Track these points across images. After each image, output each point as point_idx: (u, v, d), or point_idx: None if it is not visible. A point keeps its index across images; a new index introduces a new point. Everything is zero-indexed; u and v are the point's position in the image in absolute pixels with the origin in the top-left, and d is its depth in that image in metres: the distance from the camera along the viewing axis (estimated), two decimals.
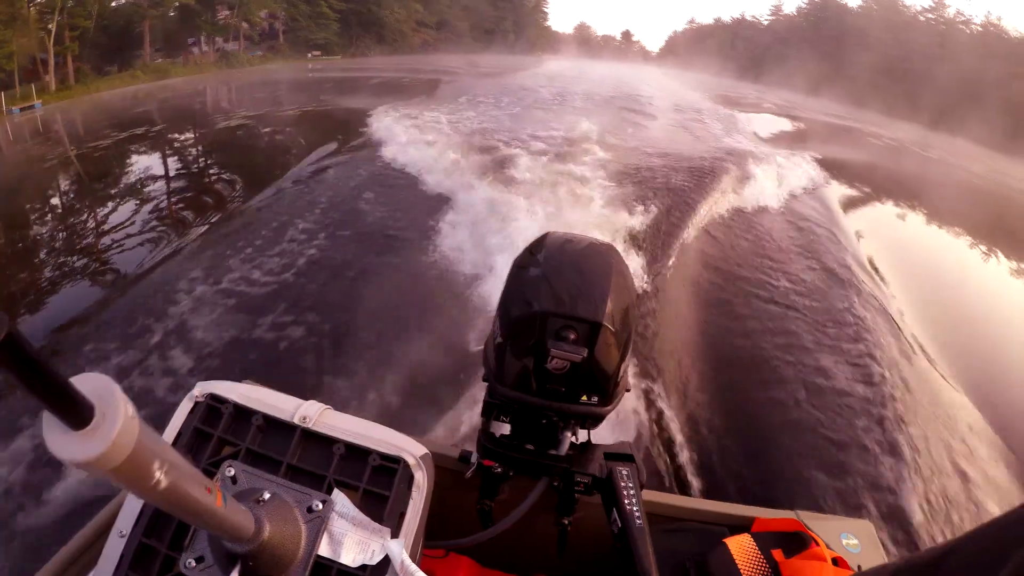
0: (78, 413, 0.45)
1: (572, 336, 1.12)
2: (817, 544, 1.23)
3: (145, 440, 0.49)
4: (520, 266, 1.24)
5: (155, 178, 13.80)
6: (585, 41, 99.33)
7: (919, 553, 0.57)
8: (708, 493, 3.92)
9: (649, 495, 1.39)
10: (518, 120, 16.56)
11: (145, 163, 15.41)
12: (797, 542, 1.24)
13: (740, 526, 1.38)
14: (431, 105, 19.32)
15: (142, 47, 39.78)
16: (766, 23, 74.23)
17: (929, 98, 39.41)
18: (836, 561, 1.20)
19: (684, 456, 4.24)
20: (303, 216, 9.05)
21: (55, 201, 12.97)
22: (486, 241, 7.14)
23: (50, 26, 32.12)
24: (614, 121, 17.60)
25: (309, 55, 50.31)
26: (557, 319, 1.12)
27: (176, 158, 16.14)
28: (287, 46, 50.22)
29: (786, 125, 26.84)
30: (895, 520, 3.85)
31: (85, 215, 11.80)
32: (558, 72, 40.76)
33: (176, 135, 18.79)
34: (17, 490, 4.14)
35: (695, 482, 4.06)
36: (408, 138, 13.17)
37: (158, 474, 0.52)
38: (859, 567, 1.23)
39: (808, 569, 1.17)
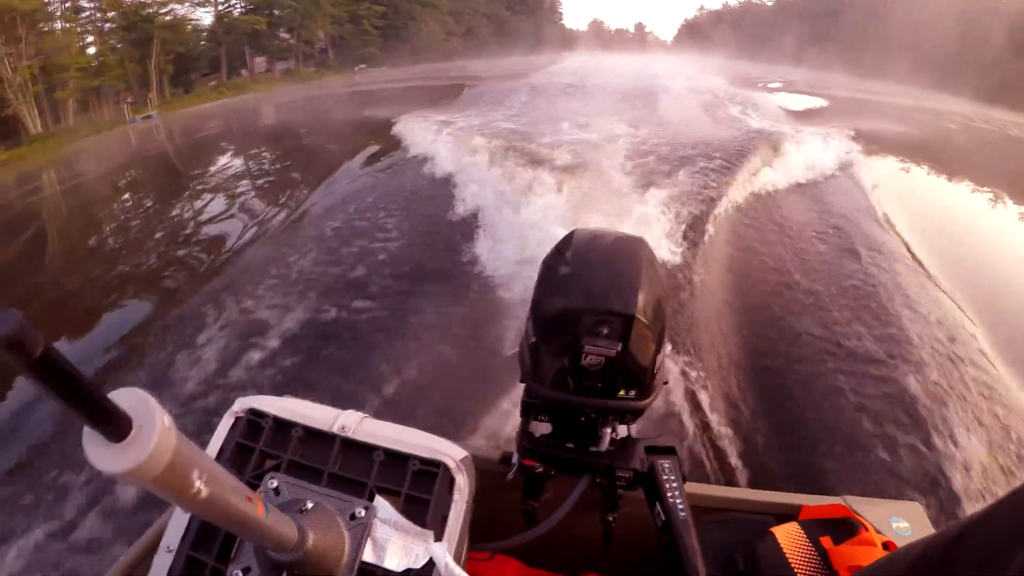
0: (116, 426, 0.43)
1: (605, 331, 1.03)
2: (866, 529, 1.12)
3: (183, 450, 0.47)
4: (549, 265, 1.15)
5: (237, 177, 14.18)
6: (600, 36, 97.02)
7: (942, 531, 0.49)
8: (753, 482, 3.60)
9: (693, 487, 1.28)
10: (542, 119, 15.50)
11: (225, 163, 15.85)
12: (846, 528, 1.13)
13: (787, 514, 1.25)
14: (462, 107, 18.74)
15: (196, 71, 42.22)
16: (771, 2, 71.01)
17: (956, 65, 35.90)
18: (886, 546, 1.08)
19: (727, 446, 3.88)
20: (335, 230, 8.71)
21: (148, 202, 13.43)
22: (516, 242, 6.72)
23: (151, 51, 35.84)
24: (636, 111, 16.73)
25: (356, 68, 51.02)
26: (589, 315, 1.04)
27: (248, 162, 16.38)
28: (335, 61, 51.27)
29: (807, 102, 24.18)
30: (946, 500, 3.49)
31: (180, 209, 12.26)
32: (575, 68, 38.37)
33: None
34: (68, 511, 4.02)
35: (739, 472, 3.72)
36: (439, 140, 12.49)
37: (198, 483, 0.50)
38: None
39: (858, 555, 1.06)
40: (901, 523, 1.21)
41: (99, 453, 0.43)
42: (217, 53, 42.98)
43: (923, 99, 28.03)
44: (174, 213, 12.26)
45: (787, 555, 1.10)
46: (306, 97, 31.37)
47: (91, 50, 34.88)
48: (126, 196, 15.42)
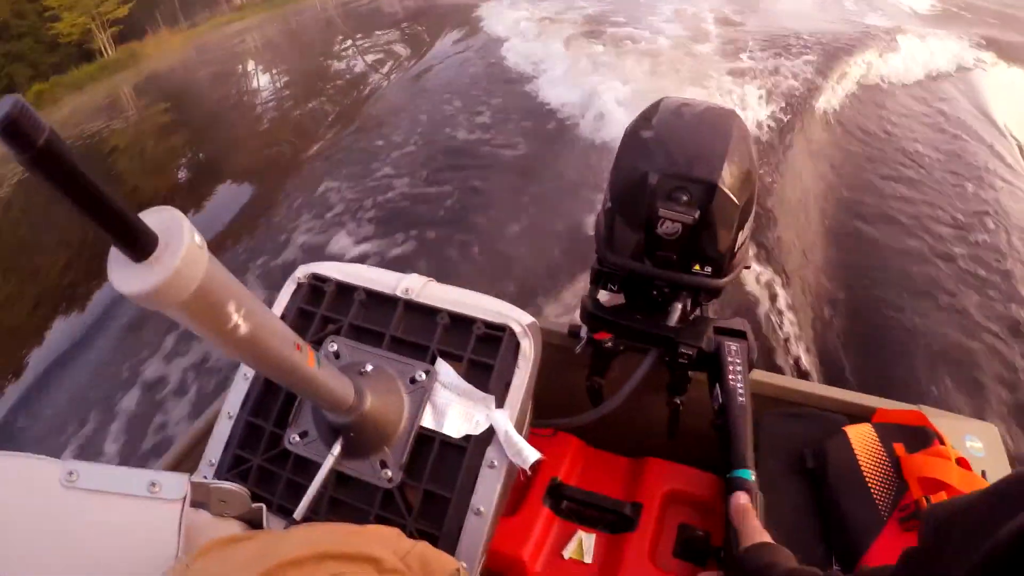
0: (139, 242, 0.35)
1: (685, 198, 0.85)
2: (941, 442, 0.93)
3: (217, 275, 0.39)
4: (633, 130, 0.94)
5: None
6: None
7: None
8: (826, 381, 3.05)
9: (761, 375, 1.12)
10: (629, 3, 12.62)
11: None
12: (920, 437, 0.94)
13: (860, 416, 1.06)
14: None
15: None
16: None
17: None
18: (960, 462, 0.89)
19: (802, 340, 3.32)
20: (418, 105, 7.95)
21: None
22: (600, 117, 5.81)
23: None
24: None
25: None
26: (669, 179, 0.86)
27: None
28: None
29: (939, 4, 19.21)
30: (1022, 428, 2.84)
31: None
32: None
33: None
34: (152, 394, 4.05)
35: (812, 368, 3.19)
36: (522, 21, 10.78)
37: (235, 317, 0.41)
38: (983, 472, 0.91)
39: (931, 466, 0.87)
40: (975, 443, 1.00)
41: (121, 273, 0.35)
42: None
43: None
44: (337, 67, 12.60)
45: (858, 456, 0.94)
46: None
47: None
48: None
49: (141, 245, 0.35)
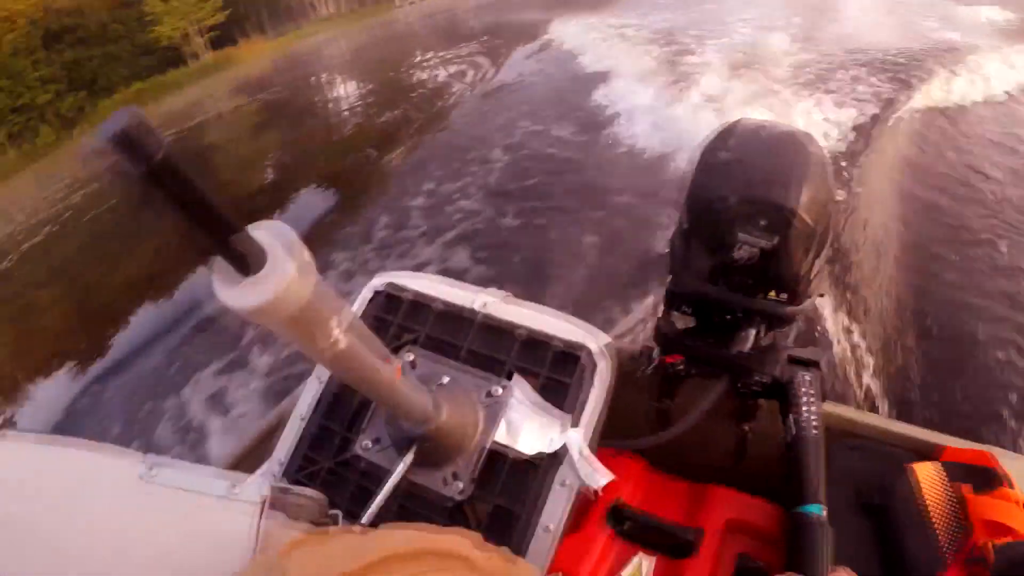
0: (249, 259, 0.34)
1: (763, 223, 0.81)
2: (1010, 485, 0.86)
3: (323, 293, 0.39)
4: (709, 151, 0.90)
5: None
6: None
7: None
8: (894, 415, 2.90)
9: (831, 407, 1.06)
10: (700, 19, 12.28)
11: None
12: (988, 478, 0.88)
13: (928, 452, 1.00)
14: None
15: None
16: None
17: None
18: None
19: (872, 375, 3.12)
20: (491, 123, 8.03)
21: None
22: (674, 134, 5.64)
23: None
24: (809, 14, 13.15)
25: None
26: (747, 203, 0.82)
27: None
28: None
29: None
30: None
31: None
32: None
33: None
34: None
35: (880, 400, 3.00)
36: (592, 36, 10.79)
37: (336, 332, 0.41)
38: None
39: (997, 510, 0.82)
40: None
41: (227, 286, 0.35)
42: None
43: None
44: (419, 77, 12.86)
45: (924, 495, 0.89)
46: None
47: None
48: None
49: (250, 261, 0.34)
